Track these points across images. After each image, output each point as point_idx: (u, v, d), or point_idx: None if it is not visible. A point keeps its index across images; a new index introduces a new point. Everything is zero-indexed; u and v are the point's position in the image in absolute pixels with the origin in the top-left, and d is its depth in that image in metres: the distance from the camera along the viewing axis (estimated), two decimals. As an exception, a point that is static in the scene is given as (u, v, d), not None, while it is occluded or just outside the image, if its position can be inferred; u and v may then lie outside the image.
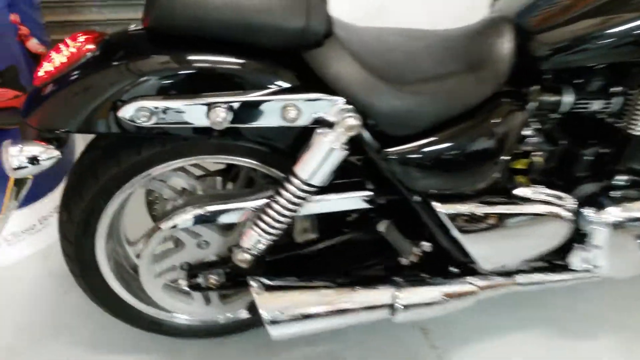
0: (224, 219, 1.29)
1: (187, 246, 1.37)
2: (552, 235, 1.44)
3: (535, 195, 1.40)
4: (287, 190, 1.22)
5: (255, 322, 1.61)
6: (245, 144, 1.26)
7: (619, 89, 1.37)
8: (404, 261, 1.43)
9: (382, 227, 1.35)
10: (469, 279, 1.48)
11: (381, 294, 1.38)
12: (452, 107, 1.23)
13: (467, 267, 1.51)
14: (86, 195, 1.27)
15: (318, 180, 1.20)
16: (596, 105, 1.38)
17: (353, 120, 1.14)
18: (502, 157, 1.32)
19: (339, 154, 1.17)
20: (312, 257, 1.41)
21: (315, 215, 1.43)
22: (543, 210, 1.40)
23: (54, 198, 1.93)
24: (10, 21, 1.60)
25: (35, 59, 1.74)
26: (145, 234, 1.38)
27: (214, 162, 1.32)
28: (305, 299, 1.29)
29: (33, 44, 1.73)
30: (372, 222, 1.39)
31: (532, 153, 1.40)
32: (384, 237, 1.36)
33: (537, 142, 1.39)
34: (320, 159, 1.17)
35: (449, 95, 1.22)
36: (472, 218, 1.35)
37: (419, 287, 1.42)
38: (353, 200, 1.34)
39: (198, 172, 1.54)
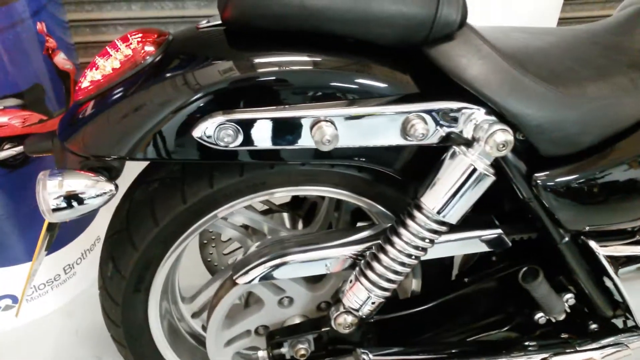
0: (318, 270, 0.98)
1: (266, 305, 1.06)
2: None
3: None
4: (409, 230, 0.91)
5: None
6: (346, 171, 0.97)
7: None
8: (542, 320, 1.11)
9: (528, 278, 1.03)
10: (621, 337, 1.15)
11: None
12: (623, 116, 0.93)
13: (609, 324, 1.20)
14: (141, 243, 0.97)
15: (454, 215, 0.90)
16: None
17: (504, 135, 0.84)
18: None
19: (486, 181, 0.88)
20: (417, 317, 1.09)
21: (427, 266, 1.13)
22: None
23: (81, 242, 1.63)
24: (36, 31, 1.33)
25: (63, 77, 1.47)
26: (207, 288, 1.08)
27: (298, 193, 1.03)
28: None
29: (60, 60, 1.45)
30: (510, 270, 1.08)
31: None
32: (528, 290, 1.04)
33: None
34: (459, 187, 0.87)
35: (620, 100, 0.93)
36: (635, 258, 1.04)
37: (571, 354, 1.09)
38: (475, 243, 1.03)
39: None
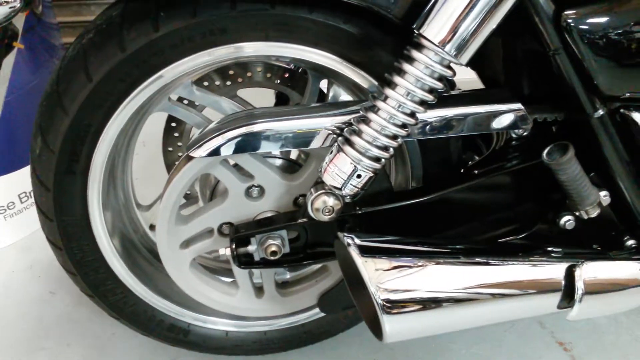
0: (289, 144, 0.79)
1: (230, 194, 0.86)
2: None
3: None
4: (408, 78, 0.71)
5: (333, 328, 1.09)
6: (329, 20, 0.78)
7: None
8: (569, 224, 0.90)
9: (554, 155, 0.82)
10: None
11: (549, 271, 0.85)
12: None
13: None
14: (71, 105, 0.78)
15: (466, 50, 0.69)
16: None
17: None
18: None
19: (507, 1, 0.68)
20: (414, 212, 0.89)
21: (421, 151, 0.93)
22: None
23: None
24: None
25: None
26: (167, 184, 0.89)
27: (268, 54, 0.83)
28: (439, 272, 0.76)
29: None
30: (529, 162, 0.87)
31: None
32: (556, 173, 0.82)
33: None
34: (475, 13, 0.67)
35: None
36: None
37: (606, 262, 0.88)
38: (489, 118, 0.83)
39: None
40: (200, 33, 0.76)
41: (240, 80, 1.07)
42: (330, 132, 0.78)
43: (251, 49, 0.80)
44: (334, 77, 0.89)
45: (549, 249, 0.90)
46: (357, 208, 0.84)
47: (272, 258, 0.84)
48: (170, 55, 0.78)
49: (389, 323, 0.70)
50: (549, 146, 0.83)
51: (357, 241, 0.73)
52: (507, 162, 0.91)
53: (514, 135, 0.92)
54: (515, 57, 0.87)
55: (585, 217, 0.87)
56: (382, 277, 0.70)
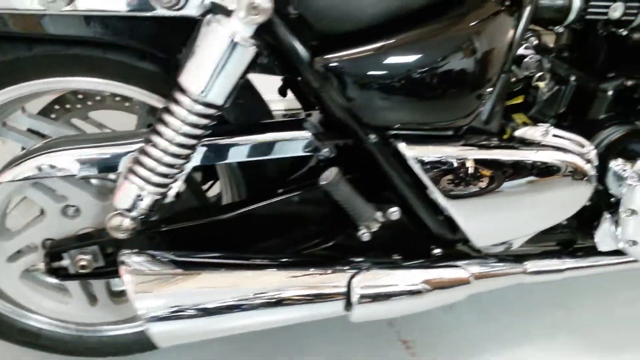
0: (87, 170, 0.88)
1: (47, 214, 0.96)
2: (570, 195, 1.04)
3: (542, 138, 1.00)
4: (175, 116, 0.82)
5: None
6: (104, 54, 0.88)
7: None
8: (365, 236, 1.01)
9: (327, 178, 0.93)
10: (460, 262, 1.06)
11: (332, 279, 0.96)
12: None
13: (455, 249, 1.11)
14: None
15: (217, 94, 0.80)
16: (617, 11, 0.99)
17: (258, -1, 0.74)
18: (492, 78, 0.93)
19: (245, 53, 0.78)
20: (235, 228, 0.99)
21: (240, 170, 1.03)
22: (554, 158, 1.00)
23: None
24: None
25: None
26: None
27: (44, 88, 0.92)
28: (213, 282, 0.87)
29: None
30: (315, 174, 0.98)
31: (534, 79, 1.01)
32: (331, 193, 0.94)
33: (538, 63, 0.99)
34: (217, 60, 0.78)
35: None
36: (455, 167, 0.95)
37: (388, 270, 1.00)
38: (286, 145, 0.94)
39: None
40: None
41: (90, 103, 1.17)
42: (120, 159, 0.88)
43: (59, 84, 0.90)
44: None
45: (346, 258, 1.02)
46: (162, 225, 0.95)
47: (83, 271, 0.94)
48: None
49: (154, 331, 0.80)
50: (326, 170, 0.94)
51: (130, 258, 0.84)
52: (308, 181, 1.01)
53: (321, 157, 1.03)
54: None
55: (367, 231, 0.98)
56: (146, 290, 0.80)
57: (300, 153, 0.96)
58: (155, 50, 0.87)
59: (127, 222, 0.89)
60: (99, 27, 0.84)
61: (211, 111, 0.82)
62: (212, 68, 0.78)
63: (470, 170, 0.94)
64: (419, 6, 0.84)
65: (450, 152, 0.94)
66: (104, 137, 0.91)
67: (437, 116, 0.92)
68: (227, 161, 0.93)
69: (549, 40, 1.20)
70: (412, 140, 0.93)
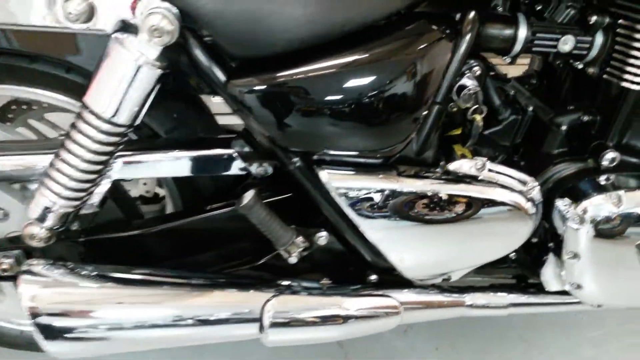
0: (9, 178, 0.90)
1: (-23, 216, 0.98)
2: (506, 232, 1.00)
3: (477, 172, 0.96)
4: (82, 133, 0.82)
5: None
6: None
7: (604, 19, 0.92)
8: (292, 259, 1.00)
9: (242, 201, 0.92)
10: (390, 291, 1.04)
11: (249, 300, 0.95)
12: (339, 15, 0.81)
13: (393, 275, 1.08)
14: None
15: (123, 115, 0.79)
16: (568, 44, 0.94)
17: (158, 19, 0.73)
18: (420, 107, 0.89)
19: (149, 74, 0.77)
20: (156, 243, 0.99)
21: (174, 184, 1.03)
22: (486, 194, 0.96)
23: None
24: None
25: None
26: None
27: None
28: (118, 297, 0.87)
29: None
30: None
31: (473, 110, 0.97)
32: (247, 217, 0.93)
33: (474, 95, 0.94)
34: (121, 80, 0.77)
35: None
36: (379, 199, 0.92)
37: (307, 295, 0.98)
38: (210, 162, 0.94)
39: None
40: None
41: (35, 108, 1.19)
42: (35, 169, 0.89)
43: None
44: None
45: (274, 280, 1.01)
46: (82, 236, 0.96)
47: (4, 274, 0.96)
48: None
49: (44, 344, 0.81)
50: (244, 193, 0.92)
51: (32, 267, 0.85)
52: (228, 202, 1.00)
53: (257, 176, 1.02)
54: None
55: (288, 255, 0.97)
56: (39, 301, 0.81)
57: (225, 172, 0.95)
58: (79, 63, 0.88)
59: (42, 232, 0.90)
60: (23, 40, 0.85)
61: (120, 129, 0.82)
62: (116, 88, 0.77)
63: (394, 202, 0.92)
64: (339, 32, 0.81)
65: (374, 183, 0.91)
66: (26, 146, 0.92)
67: (360, 144, 0.89)
68: (150, 176, 0.93)
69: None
70: (336, 165, 0.90)
